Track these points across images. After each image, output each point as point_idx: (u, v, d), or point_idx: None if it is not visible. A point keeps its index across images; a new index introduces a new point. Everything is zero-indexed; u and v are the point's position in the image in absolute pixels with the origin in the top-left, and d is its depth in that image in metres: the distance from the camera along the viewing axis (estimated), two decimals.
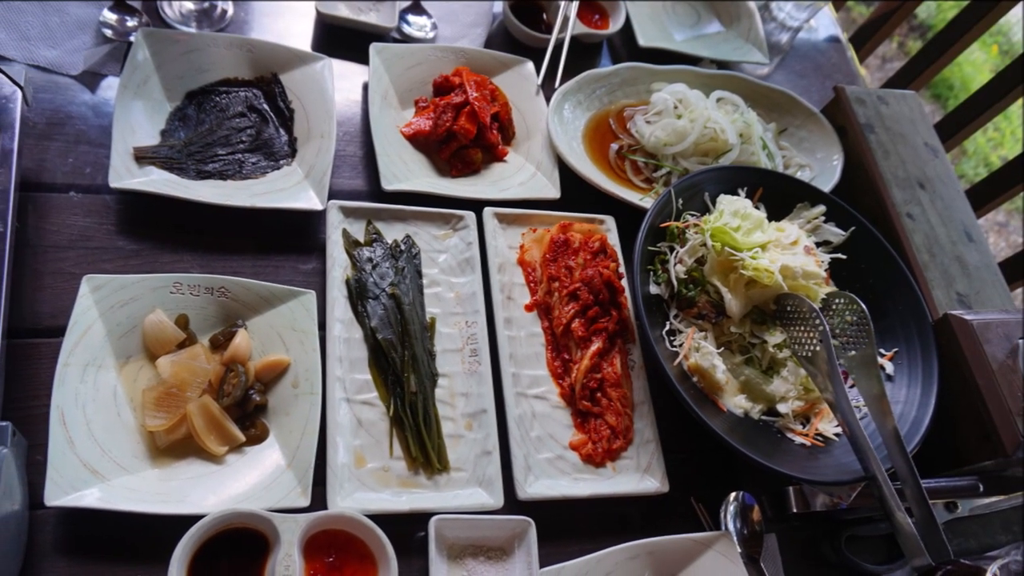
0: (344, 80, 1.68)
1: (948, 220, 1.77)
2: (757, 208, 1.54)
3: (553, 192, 1.63)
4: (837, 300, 1.44)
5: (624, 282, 1.52)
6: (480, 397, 1.36)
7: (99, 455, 1.11)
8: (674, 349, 1.43)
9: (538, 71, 1.81)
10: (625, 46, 2.03)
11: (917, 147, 1.87)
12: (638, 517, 1.37)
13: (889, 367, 1.53)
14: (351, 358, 1.33)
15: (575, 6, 1.88)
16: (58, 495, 1.04)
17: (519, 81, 1.79)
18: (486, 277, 1.48)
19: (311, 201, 1.43)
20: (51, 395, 1.10)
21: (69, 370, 1.13)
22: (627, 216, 1.62)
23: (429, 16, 1.85)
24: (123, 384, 1.19)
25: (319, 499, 1.17)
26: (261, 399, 1.24)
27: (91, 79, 1.48)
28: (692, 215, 1.53)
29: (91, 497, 1.06)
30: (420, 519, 1.19)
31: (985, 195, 2.19)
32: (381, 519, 1.12)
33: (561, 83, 1.78)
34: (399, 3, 1.80)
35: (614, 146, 1.77)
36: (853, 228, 1.62)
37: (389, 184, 1.50)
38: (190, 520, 1.03)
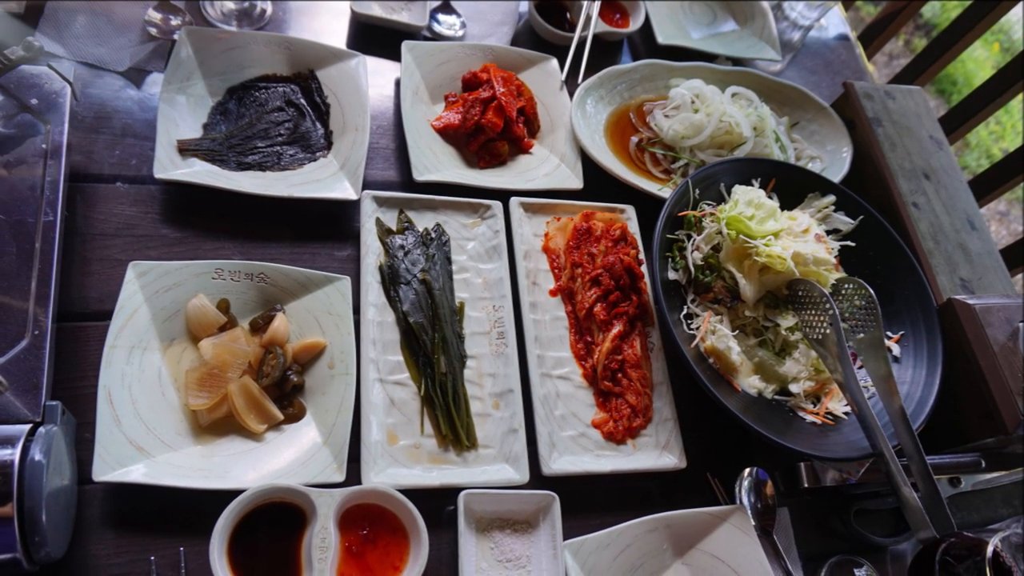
0: (377, 76, 1.65)
1: (952, 209, 1.73)
2: (770, 198, 1.52)
3: (576, 183, 1.60)
4: (846, 285, 1.41)
5: (644, 268, 1.49)
6: (507, 377, 1.32)
7: (144, 433, 1.08)
8: (691, 332, 1.40)
9: (562, 68, 1.77)
10: (644, 44, 2.00)
11: (922, 140, 1.83)
12: (657, 492, 1.34)
13: (896, 349, 1.50)
14: (384, 340, 1.30)
15: (597, 6, 1.84)
16: (105, 471, 1.02)
17: (544, 77, 1.75)
18: (512, 263, 1.45)
19: (346, 191, 1.40)
20: (99, 376, 1.08)
21: (116, 352, 1.11)
22: (646, 205, 1.59)
23: (458, 15, 1.82)
24: (167, 365, 1.17)
25: (353, 475, 1.15)
26: (298, 379, 1.21)
27: (137, 75, 1.45)
28: (708, 204, 1.50)
29: (137, 473, 1.04)
30: (449, 494, 1.17)
31: (987, 185, 2.17)
32: (412, 494, 1.10)
33: (584, 79, 1.75)
34: (430, 2, 1.77)
35: (634, 139, 1.74)
36: (861, 217, 1.59)
37: (420, 175, 1.47)
38: (231, 495, 1.01)
